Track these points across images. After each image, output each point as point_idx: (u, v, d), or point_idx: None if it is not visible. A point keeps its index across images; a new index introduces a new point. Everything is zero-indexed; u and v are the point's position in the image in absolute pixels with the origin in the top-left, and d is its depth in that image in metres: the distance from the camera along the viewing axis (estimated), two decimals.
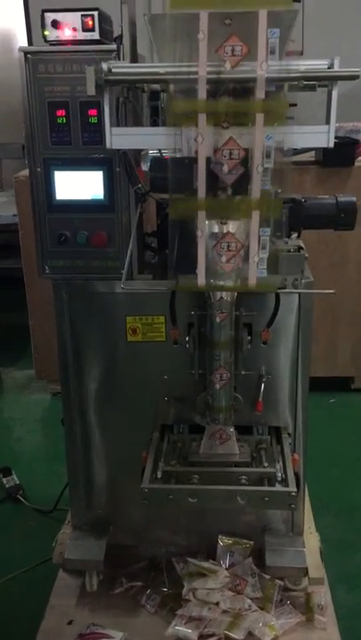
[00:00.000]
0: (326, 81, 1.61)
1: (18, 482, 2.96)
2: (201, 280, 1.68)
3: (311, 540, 2.21)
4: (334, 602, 2.12)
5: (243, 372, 1.95)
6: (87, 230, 1.89)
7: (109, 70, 1.61)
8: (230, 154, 1.58)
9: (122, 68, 1.67)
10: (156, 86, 1.89)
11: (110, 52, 1.74)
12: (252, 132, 1.55)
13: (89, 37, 1.77)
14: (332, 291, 1.83)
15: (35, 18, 2.99)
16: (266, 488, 1.85)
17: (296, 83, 1.59)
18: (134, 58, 1.86)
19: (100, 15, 1.77)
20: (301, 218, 1.94)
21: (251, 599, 2.05)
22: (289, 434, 2.05)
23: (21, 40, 4.97)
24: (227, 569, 2.11)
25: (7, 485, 2.94)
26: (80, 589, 2.17)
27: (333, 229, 1.97)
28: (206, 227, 1.64)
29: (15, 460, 3.16)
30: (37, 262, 1.95)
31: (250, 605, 2.03)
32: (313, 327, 1.99)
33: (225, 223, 1.64)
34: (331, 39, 4.09)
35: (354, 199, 1.96)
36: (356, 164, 3.35)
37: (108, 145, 1.70)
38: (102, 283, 1.96)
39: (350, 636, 2.10)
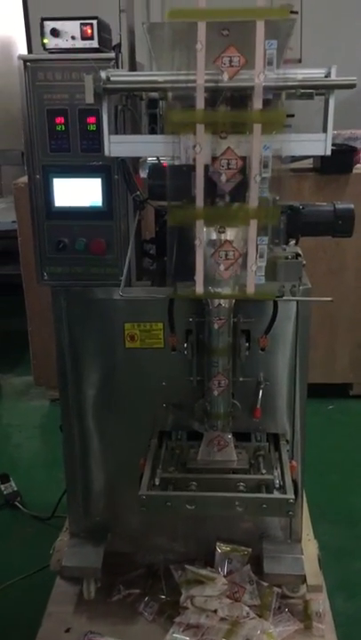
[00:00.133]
0: (323, 89, 1.63)
1: (16, 488, 2.95)
2: (199, 288, 1.68)
3: (309, 548, 2.21)
4: (333, 609, 2.11)
5: (241, 379, 1.95)
6: (86, 237, 1.89)
7: (108, 79, 1.63)
8: (228, 163, 1.59)
9: (120, 76, 1.68)
10: (155, 94, 1.90)
11: (109, 60, 1.75)
12: (249, 141, 1.56)
13: (88, 46, 1.78)
14: (329, 298, 1.84)
15: (34, 25, 3.01)
16: (264, 495, 1.85)
17: (293, 91, 1.60)
18: (133, 66, 1.87)
19: (99, 24, 1.78)
20: (299, 225, 1.95)
21: (249, 606, 2.04)
22: (287, 440, 2.05)
23: (21, 47, 5.00)
24: (225, 576, 2.11)
25: (5, 492, 2.93)
26: (78, 597, 2.16)
27: (331, 236, 1.98)
28: (204, 234, 1.64)
29: (13, 466, 3.16)
30: (36, 269, 1.95)
31: (248, 613, 2.02)
32: (311, 334, 1.99)
33: (223, 231, 1.65)
34: (329, 45, 4.14)
35: (351, 206, 1.97)
36: (355, 171, 3.36)
37: (106, 153, 1.71)
38: (101, 289, 1.96)
39: None
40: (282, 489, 1.86)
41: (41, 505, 2.82)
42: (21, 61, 1.78)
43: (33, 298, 3.54)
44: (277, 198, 1.70)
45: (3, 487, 2.95)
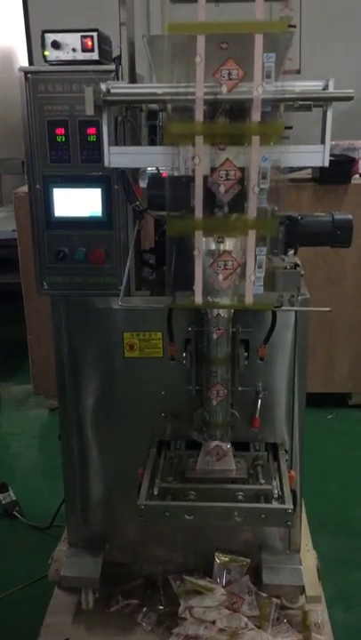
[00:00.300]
0: (321, 102, 1.64)
1: (14, 498, 2.94)
2: (198, 298, 1.69)
3: (308, 558, 2.20)
4: (332, 620, 2.10)
5: (240, 389, 1.95)
6: (85, 247, 1.90)
7: (108, 91, 1.64)
8: (227, 174, 1.60)
9: (120, 88, 1.69)
10: (155, 106, 1.91)
11: (109, 72, 1.77)
12: (248, 152, 1.57)
13: (88, 58, 1.80)
14: (327, 309, 1.85)
15: (35, 36, 3.03)
16: (262, 505, 1.85)
17: (291, 103, 1.62)
18: (133, 78, 1.89)
19: (100, 36, 1.80)
20: (298, 235, 1.96)
21: (247, 617, 2.03)
22: (286, 450, 2.05)
23: (22, 58, 5.03)
24: (223, 587, 2.10)
25: (4, 501, 2.92)
26: (76, 607, 2.15)
27: (330, 247, 1.99)
28: (203, 244, 1.65)
29: (12, 475, 3.15)
30: (36, 278, 1.96)
31: (246, 624, 2.01)
32: (310, 343, 2.00)
33: (222, 241, 1.66)
34: (328, 56, 4.16)
35: (350, 217, 1.98)
36: (353, 181, 3.38)
37: (106, 164, 1.72)
38: (100, 299, 1.97)
39: None
40: (281, 499, 1.85)
41: (39, 514, 2.81)
42: (22, 73, 1.80)
43: (32, 306, 3.55)
44: (276, 209, 1.71)
45: (1, 497, 2.94)
